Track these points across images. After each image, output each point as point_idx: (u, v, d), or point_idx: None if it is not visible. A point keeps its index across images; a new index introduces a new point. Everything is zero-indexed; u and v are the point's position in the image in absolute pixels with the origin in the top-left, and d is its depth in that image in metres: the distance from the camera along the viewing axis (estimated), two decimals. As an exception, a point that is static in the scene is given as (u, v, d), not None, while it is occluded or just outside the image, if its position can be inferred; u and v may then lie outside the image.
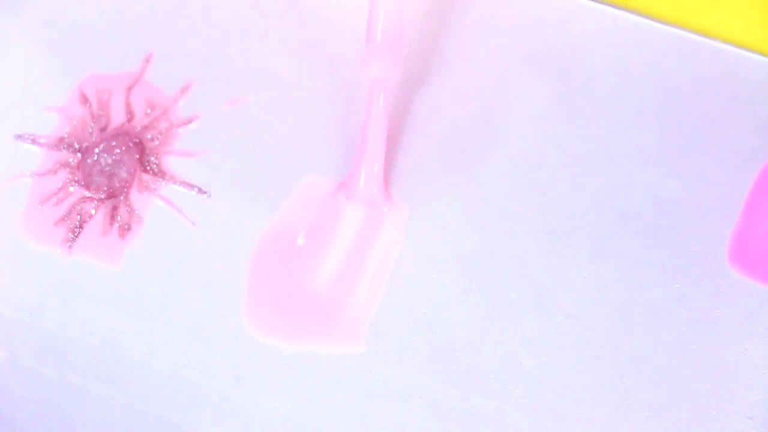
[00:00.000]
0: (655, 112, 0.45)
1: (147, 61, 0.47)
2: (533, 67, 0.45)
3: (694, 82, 0.45)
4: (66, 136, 0.47)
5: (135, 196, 0.46)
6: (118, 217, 0.46)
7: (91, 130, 0.47)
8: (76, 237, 0.46)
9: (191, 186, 0.46)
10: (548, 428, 0.43)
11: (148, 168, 0.46)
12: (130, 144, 0.46)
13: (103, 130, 0.47)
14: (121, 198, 0.46)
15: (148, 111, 0.46)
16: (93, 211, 0.46)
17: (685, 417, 0.42)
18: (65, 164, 0.46)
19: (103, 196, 0.46)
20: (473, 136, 0.45)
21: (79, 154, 0.46)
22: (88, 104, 0.47)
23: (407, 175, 0.45)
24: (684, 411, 0.42)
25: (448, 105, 0.45)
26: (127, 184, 0.46)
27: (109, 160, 0.46)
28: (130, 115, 0.47)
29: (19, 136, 0.47)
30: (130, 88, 0.47)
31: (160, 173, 0.46)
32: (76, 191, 0.46)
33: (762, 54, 0.45)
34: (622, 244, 0.44)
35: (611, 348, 0.43)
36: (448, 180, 0.45)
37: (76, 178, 0.46)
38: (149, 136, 0.46)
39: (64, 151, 0.46)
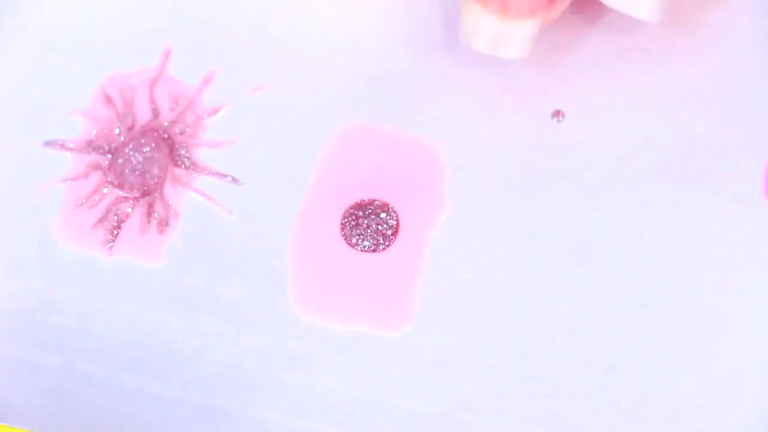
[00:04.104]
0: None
1: (167, 55, 0.47)
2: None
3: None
4: (93, 138, 0.46)
5: (169, 191, 0.46)
6: (155, 214, 0.46)
7: (118, 131, 0.46)
8: (116, 237, 0.45)
9: (224, 175, 0.46)
10: (603, 379, 0.43)
11: (180, 162, 0.46)
12: (159, 140, 0.46)
13: (130, 129, 0.46)
14: (156, 194, 0.46)
15: (174, 105, 0.46)
16: (129, 210, 0.46)
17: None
18: (96, 166, 0.46)
19: (137, 195, 0.46)
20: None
21: (109, 155, 0.46)
22: (112, 104, 0.46)
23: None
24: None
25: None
26: (161, 180, 0.46)
27: (140, 158, 0.46)
28: (156, 111, 0.46)
29: (49, 143, 0.46)
30: (153, 85, 0.46)
31: (192, 166, 0.46)
32: (111, 192, 0.46)
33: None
34: (657, 190, 0.44)
35: (657, 294, 0.43)
36: (483, 141, 0.45)
37: (109, 179, 0.46)
38: (177, 130, 0.46)
39: (93, 153, 0.46)
